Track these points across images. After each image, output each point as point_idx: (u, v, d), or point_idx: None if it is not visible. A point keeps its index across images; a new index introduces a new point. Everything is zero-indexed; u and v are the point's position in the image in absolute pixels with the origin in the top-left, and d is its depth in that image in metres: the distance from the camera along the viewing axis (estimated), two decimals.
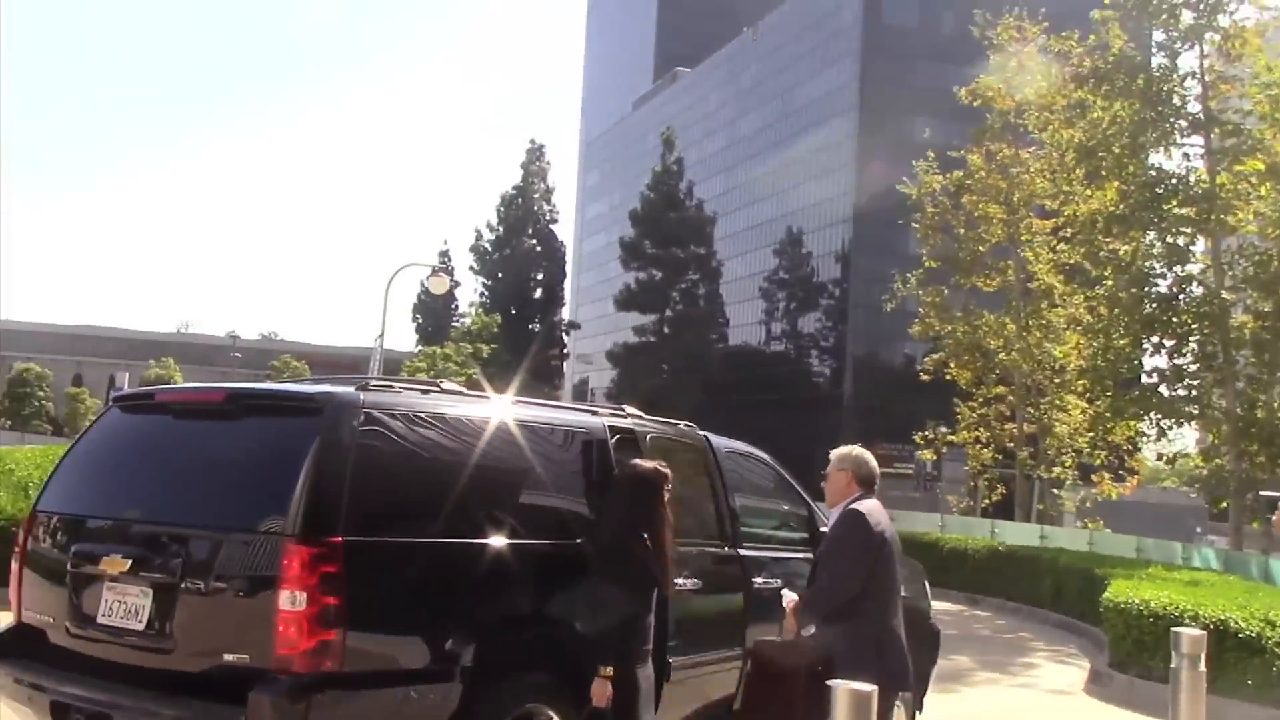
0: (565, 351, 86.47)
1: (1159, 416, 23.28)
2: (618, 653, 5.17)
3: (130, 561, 5.06)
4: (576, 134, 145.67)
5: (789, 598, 5.88)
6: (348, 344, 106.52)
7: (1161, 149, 23.10)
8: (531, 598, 5.54)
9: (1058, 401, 30.20)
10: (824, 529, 6.72)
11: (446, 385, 5.86)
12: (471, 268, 79.75)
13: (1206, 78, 22.50)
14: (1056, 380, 29.99)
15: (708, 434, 7.22)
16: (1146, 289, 22.82)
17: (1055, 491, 34.47)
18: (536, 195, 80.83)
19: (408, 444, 5.22)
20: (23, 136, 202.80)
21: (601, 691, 5.07)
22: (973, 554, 21.74)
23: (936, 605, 9.38)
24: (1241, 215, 21.64)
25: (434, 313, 77.80)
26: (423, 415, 5.38)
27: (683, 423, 7.24)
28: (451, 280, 55.82)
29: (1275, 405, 21.40)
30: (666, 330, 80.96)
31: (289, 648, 4.61)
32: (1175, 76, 22.69)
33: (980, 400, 32.01)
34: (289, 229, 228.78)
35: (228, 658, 4.79)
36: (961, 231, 31.58)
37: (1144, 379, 24.80)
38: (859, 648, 5.40)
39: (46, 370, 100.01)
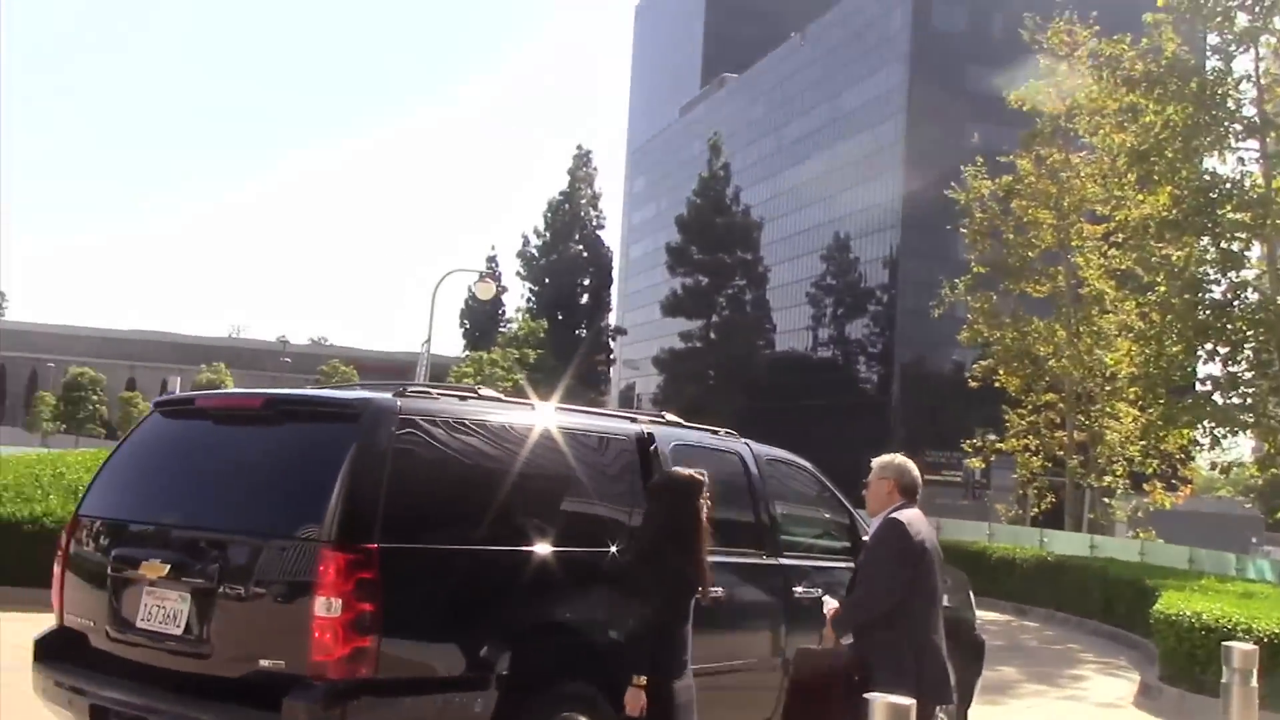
0: (611, 357, 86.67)
1: (1213, 425, 22.95)
2: (652, 662, 5.11)
3: (169, 566, 5.09)
4: (623, 140, 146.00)
5: (829, 604, 5.83)
6: (397, 349, 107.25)
7: (1215, 153, 22.78)
8: (568, 606, 5.50)
9: (1109, 409, 29.85)
10: (866, 537, 6.63)
11: (484, 391, 5.86)
12: (518, 273, 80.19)
13: (1262, 81, 22.17)
14: (1107, 387, 29.64)
15: (747, 441, 7.16)
16: (1200, 295, 22.52)
17: (1106, 500, 34.00)
18: (583, 201, 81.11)
19: (444, 450, 5.21)
20: (79, 144, 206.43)
21: (634, 701, 5.02)
22: (1021, 563, 21.49)
23: (983, 615, 9.27)
24: None
25: (481, 318, 78.19)
26: (459, 421, 5.36)
27: (722, 430, 7.18)
28: (498, 286, 56.24)
29: None
30: (713, 336, 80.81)
31: (324, 654, 4.61)
32: (1230, 80, 22.38)
33: (1030, 407, 31.74)
34: (340, 235, 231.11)
35: (264, 663, 4.79)
36: (1010, 237, 31.33)
37: (1197, 386, 24.50)
38: (898, 659, 5.33)
39: (100, 374, 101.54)
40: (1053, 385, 31.52)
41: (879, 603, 5.50)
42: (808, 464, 7.58)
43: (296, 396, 5.74)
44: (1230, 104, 22.41)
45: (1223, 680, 6.77)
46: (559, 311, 76.25)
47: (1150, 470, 29.78)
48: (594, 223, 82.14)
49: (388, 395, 5.26)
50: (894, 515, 5.61)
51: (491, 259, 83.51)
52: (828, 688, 5.44)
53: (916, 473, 5.81)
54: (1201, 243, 22.60)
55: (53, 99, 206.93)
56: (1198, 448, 26.26)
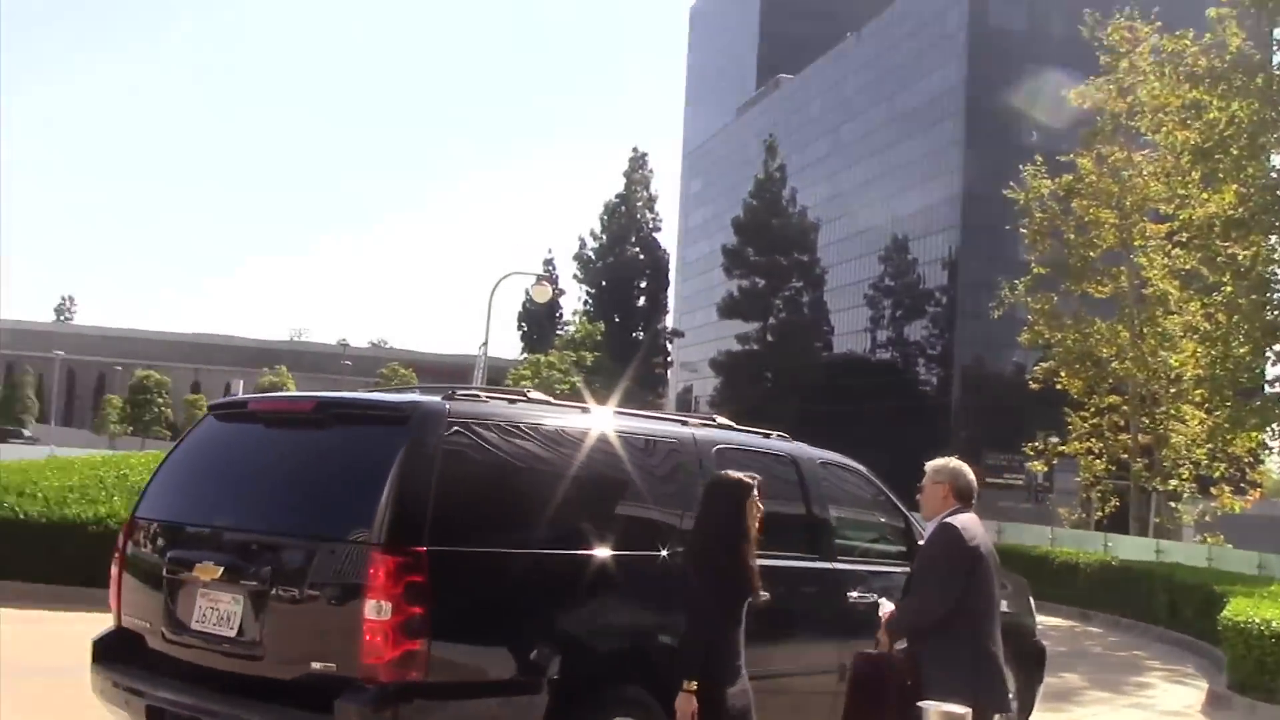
0: (669, 359, 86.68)
1: None
2: (704, 667, 5.06)
3: (222, 569, 5.14)
4: (679, 142, 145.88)
5: (885, 607, 5.77)
6: (455, 351, 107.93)
7: None
8: (619, 609, 5.48)
9: (1174, 411, 29.35)
10: (921, 542, 6.54)
11: (532, 394, 5.86)
12: (575, 276, 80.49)
13: None
14: (1172, 389, 29.13)
15: (799, 444, 7.09)
16: (1268, 295, 22.11)
17: (1172, 504, 33.45)
18: (639, 203, 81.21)
19: (493, 453, 5.21)
20: (143, 151, 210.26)
21: (686, 706, 4.97)
22: (1084, 568, 21.20)
23: (1046, 621, 9.13)
24: None
25: (538, 321, 78.54)
26: (508, 424, 5.36)
27: (774, 433, 7.12)
28: (554, 289, 56.38)
29: None
30: (770, 338, 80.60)
31: (374, 657, 4.62)
32: None
33: (1092, 410, 31.31)
34: (400, 238, 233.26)
35: (315, 666, 4.82)
36: (1071, 237, 30.93)
37: (1266, 388, 24.00)
38: (953, 667, 5.24)
39: (165, 377, 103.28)
40: (1116, 387, 31.08)
41: (933, 609, 5.41)
42: (861, 467, 7.50)
43: (346, 400, 5.77)
44: None
45: None
46: (616, 314, 76.41)
47: (1218, 474, 29.25)
48: (650, 225, 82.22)
49: (436, 398, 5.28)
50: (949, 520, 5.52)
51: (548, 262, 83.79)
52: (882, 693, 5.37)
53: (971, 476, 5.72)
54: (1269, 241, 22.19)
55: (123, 101, 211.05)
56: (1267, 450, 25.75)
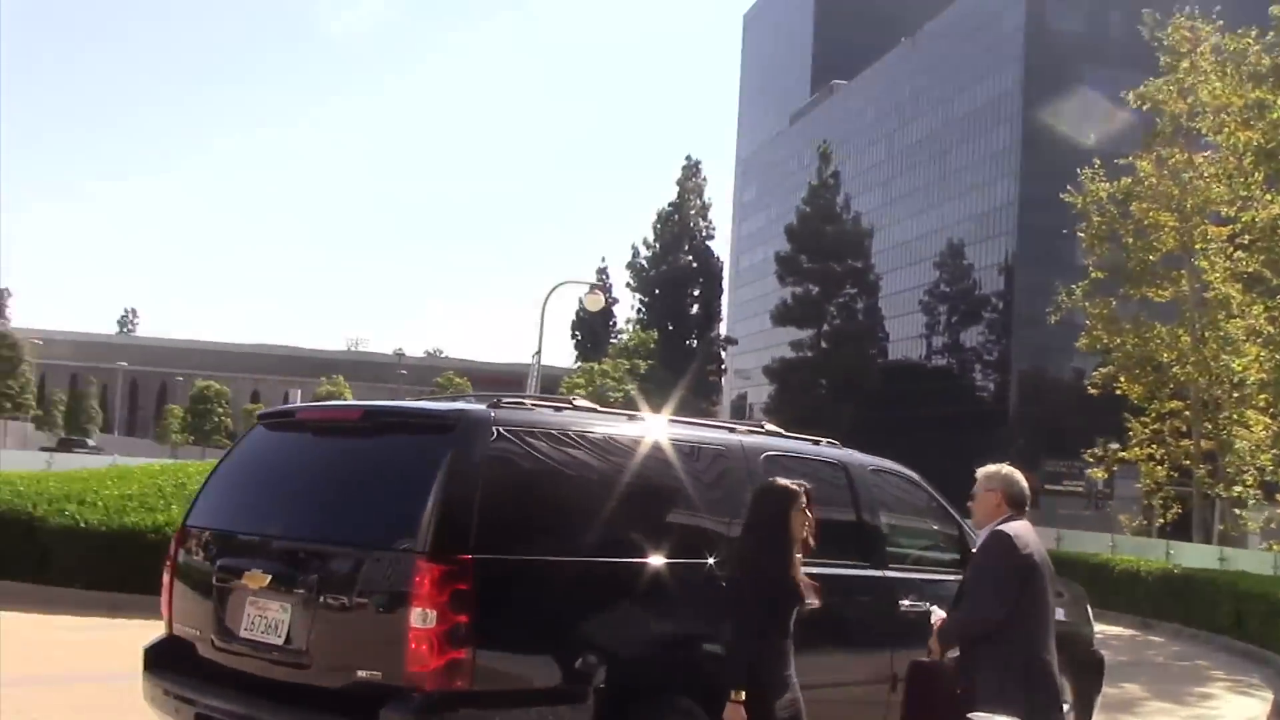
0: (723, 367, 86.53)
1: None
2: (751, 676, 5.01)
3: (270, 577, 5.17)
4: (733, 149, 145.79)
5: (937, 615, 5.70)
6: (510, 360, 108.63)
7: None
8: (665, 618, 5.44)
9: (1237, 417, 28.80)
10: (974, 550, 6.45)
11: (578, 402, 5.85)
12: (628, 284, 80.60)
13: None
14: (1235, 394, 28.61)
15: (849, 450, 7.02)
16: None
17: (1236, 511, 32.80)
18: (693, 211, 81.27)
19: (539, 461, 5.19)
20: (200, 163, 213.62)
21: (734, 717, 4.92)
22: (1146, 576, 20.83)
23: (1106, 630, 8.98)
24: None
25: (592, 329, 78.75)
26: (554, 432, 5.35)
27: (824, 440, 7.05)
28: (607, 297, 56.52)
29: None
30: (824, 345, 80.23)
31: (420, 665, 4.62)
32: None
33: (1153, 415, 30.80)
34: (455, 248, 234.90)
35: (361, 674, 4.82)
36: (1130, 240, 30.47)
37: None
38: (1004, 677, 5.15)
39: (225, 387, 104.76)
40: (1177, 392, 30.58)
41: (984, 618, 5.32)
42: (913, 474, 7.42)
43: (393, 408, 5.80)
44: None
45: None
46: (669, 322, 76.49)
47: None
48: (703, 233, 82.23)
49: (482, 407, 5.27)
50: (1001, 528, 5.42)
51: (602, 270, 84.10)
52: (934, 702, 5.29)
53: (1024, 483, 5.62)
54: None
55: (180, 117, 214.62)
56: None
